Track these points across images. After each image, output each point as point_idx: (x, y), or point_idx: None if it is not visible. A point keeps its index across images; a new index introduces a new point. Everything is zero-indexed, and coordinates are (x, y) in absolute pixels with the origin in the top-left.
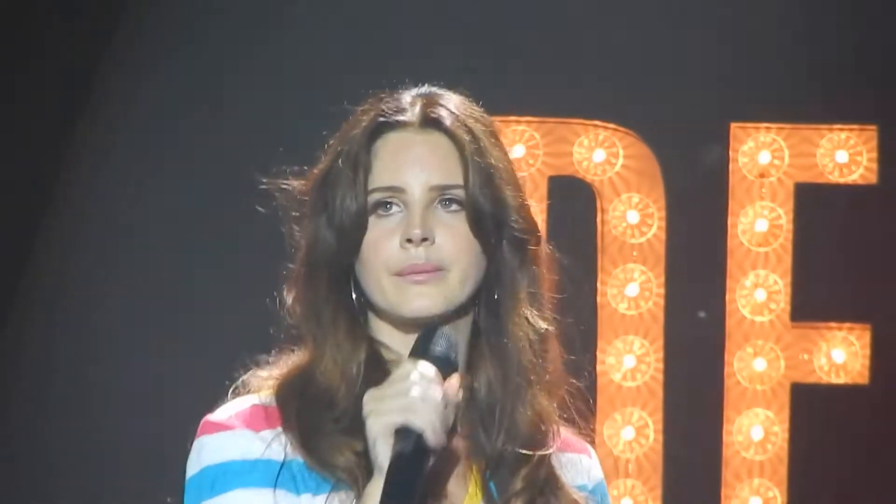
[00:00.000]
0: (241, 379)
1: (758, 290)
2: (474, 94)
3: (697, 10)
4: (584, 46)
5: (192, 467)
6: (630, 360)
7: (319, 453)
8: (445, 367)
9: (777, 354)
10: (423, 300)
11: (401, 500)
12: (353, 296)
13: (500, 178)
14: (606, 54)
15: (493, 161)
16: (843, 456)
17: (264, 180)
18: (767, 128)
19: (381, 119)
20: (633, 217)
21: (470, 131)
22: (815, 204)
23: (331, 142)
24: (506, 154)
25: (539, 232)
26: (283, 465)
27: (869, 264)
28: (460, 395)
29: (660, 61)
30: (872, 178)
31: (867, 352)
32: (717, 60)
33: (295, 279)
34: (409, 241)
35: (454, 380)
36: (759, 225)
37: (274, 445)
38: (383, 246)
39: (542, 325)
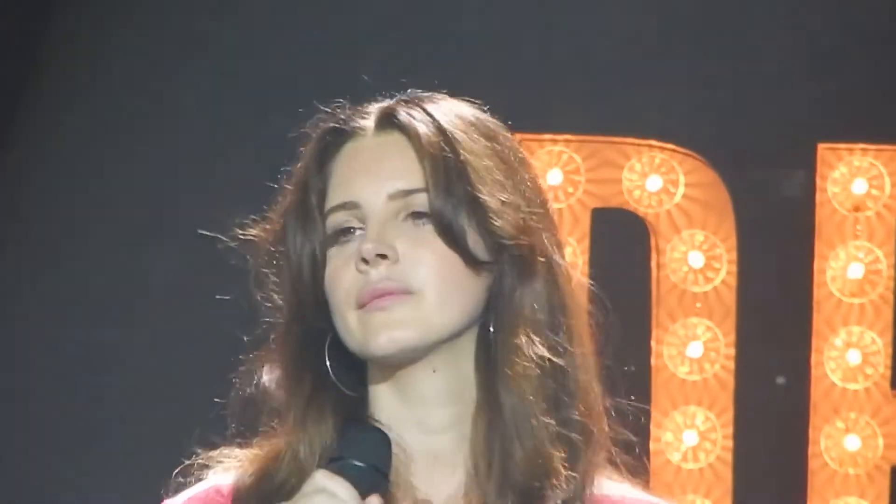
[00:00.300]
0: (205, 455)
1: (851, 350)
2: (500, 108)
3: (776, 7)
4: (636, 51)
5: None
6: (692, 436)
7: None
8: (370, 479)
9: (874, 430)
10: (390, 331)
11: None
12: (329, 365)
13: (476, 175)
14: (663, 60)
15: (467, 156)
16: None
17: (224, 239)
18: (864, 149)
19: (333, 126)
20: (697, 259)
21: (436, 125)
22: None
23: (289, 172)
24: (501, 150)
25: (534, 238)
26: None
27: None
28: None
29: (730, 68)
30: None
31: None
32: (800, 68)
33: (272, 342)
34: (364, 260)
35: (372, 500)
36: (854, 270)
37: None
38: (342, 274)
39: (554, 358)
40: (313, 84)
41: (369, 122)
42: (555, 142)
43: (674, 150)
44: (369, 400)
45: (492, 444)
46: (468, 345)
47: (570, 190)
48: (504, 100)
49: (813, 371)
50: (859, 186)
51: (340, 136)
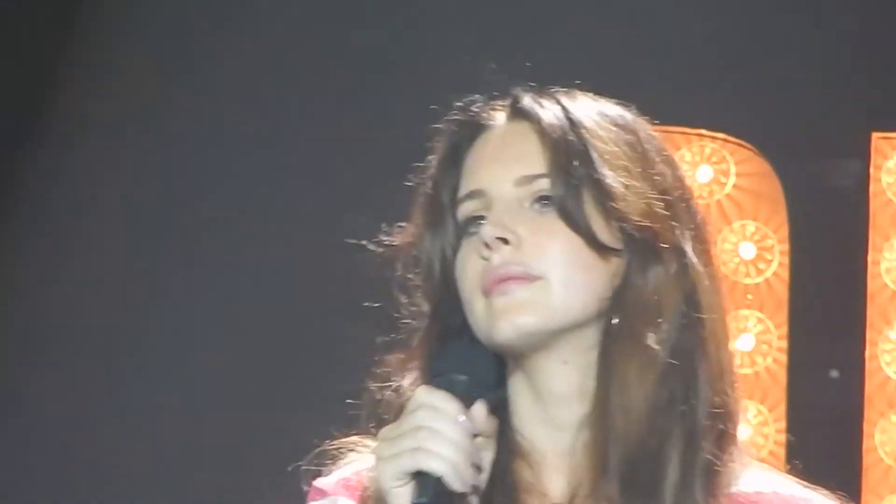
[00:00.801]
0: (347, 440)
1: None
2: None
3: None
4: (685, 40)
5: None
6: (744, 431)
7: None
8: (472, 392)
9: None
10: (512, 316)
11: None
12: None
13: (600, 158)
14: (715, 46)
15: (592, 140)
16: None
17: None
18: None
19: (463, 120)
20: (749, 251)
21: (563, 111)
22: None
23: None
24: (635, 141)
25: (662, 226)
26: None
27: None
28: (490, 424)
29: (782, 55)
30: None
31: None
32: (855, 53)
33: (408, 343)
34: (486, 245)
35: (476, 408)
36: None
37: None
38: (468, 265)
39: (681, 363)
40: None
41: (500, 114)
42: None
43: (725, 140)
44: (509, 400)
45: (610, 442)
46: (597, 337)
47: None
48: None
49: (867, 364)
50: None
51: (471, 130)
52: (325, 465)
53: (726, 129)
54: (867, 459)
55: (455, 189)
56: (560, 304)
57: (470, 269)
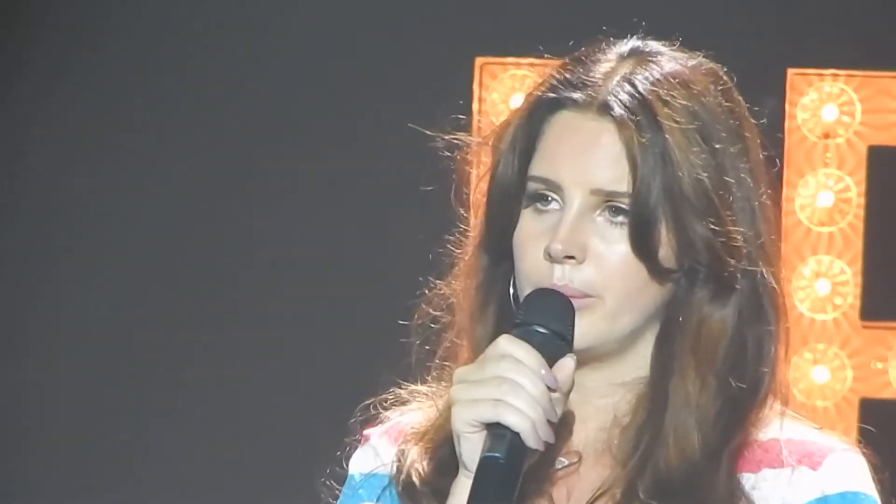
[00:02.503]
0: (400, 390)
1: (819, 280)
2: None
3: None
4: None
5: None
6: None
7: (406, 495)
8: (553, 347)
9: (843, 362)
10: None
11: None
12: (512, 293)
13: (685, 192)
14: None
15: (679, 171)
16: None
17: (430, 132)
18: (835, 75)
19: (552, 95)
20: None
21: (656, 125)
22: (893, 172)
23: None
24: (721, 157)
25: (739, 262)
26: (390, 479)
27: None
28: (572, 381)
29: None
30: None
31: None
32: None
33: (460, 260)
34: (550, 255)
35: (566, 363)
36: (823, 199)
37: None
38: (530, 250)
39: (739, 376)
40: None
41: (591, 99)
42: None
43: None
44: None
45: (641, 438)
46: (645, 340)
47: None
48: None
49: None
50: (829, 113)
51: (559, 102)
52: (380, 413)
53: None
54: None
55: (527, 153)
56: (609, 326)
57: (530, 256)
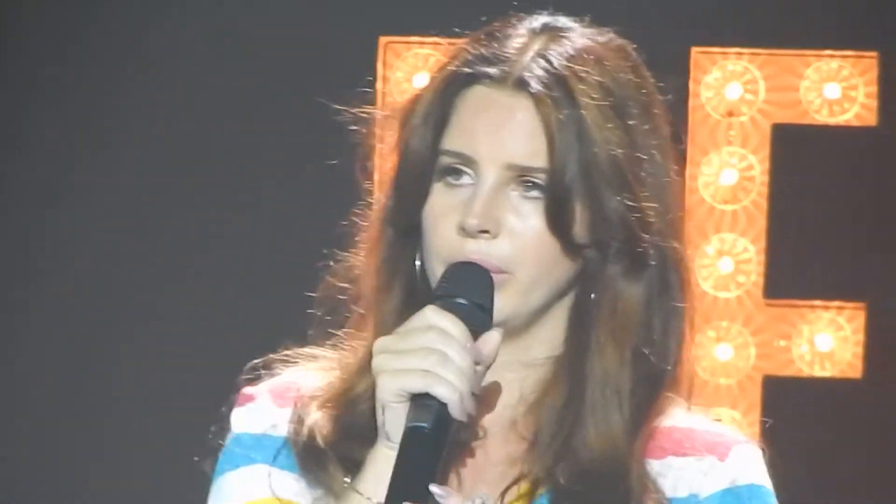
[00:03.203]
0: (285, 353)
1: (723, 258)
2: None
3: None
4: None
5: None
6: None
7: (309, 463)
8: (476, 319)
9: (746, 340)
10: None
11: (415, 481)
12: (418, 266)
13: (600, 168)
14: None
15: (595, 147)
16: (827, 467)
17: (338, 107)
18: (738, 53)
19: (466, 70)
20: None
21: (572, 100)
22: (797, 150)
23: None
24: (634, 134)
25: (652, 237)
26: (285, 441)
27: (864, 227)
28: (496, 354)
29: None
30: (871, 119)
31: (860, 337)
32: None
33: (363, 233)
34: (464, 229)
35: (493, 337)
36: (726, 177)
37: (288, 422)
38: (441, 225)
39: (653, 348)
40: None
41: (505, 74)
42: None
43: None
44: None
45: (563, 418)
46: (555, 316)
47: None
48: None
49: None
50: (733, 91)
51: (472, 77)
52: (265, 375)
53: None
54: None
55: (443, 119)
56: (522, 301)
57: (441, 231)
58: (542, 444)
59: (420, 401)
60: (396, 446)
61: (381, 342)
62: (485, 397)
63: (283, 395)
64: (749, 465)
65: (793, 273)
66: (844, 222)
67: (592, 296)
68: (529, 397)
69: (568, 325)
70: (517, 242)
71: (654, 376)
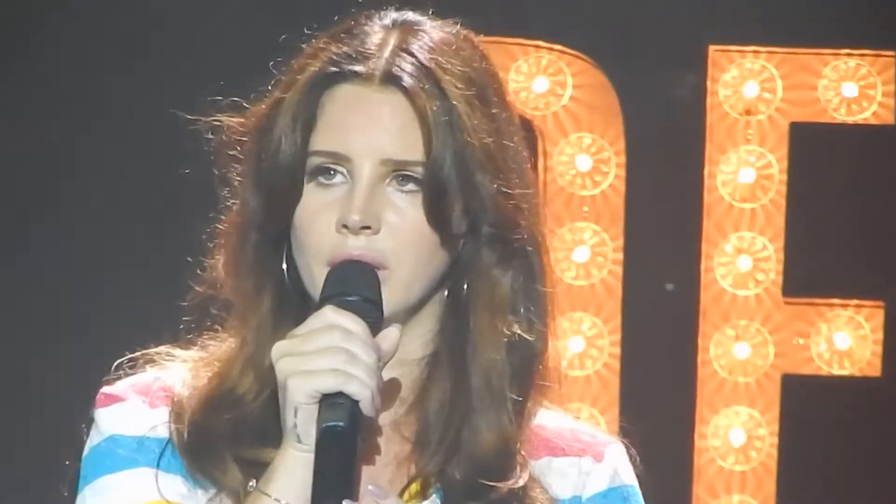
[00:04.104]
0: (145, 352)
1: (742, 256)
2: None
3: None
4: None
5: (87, 447)
6: (578, 343)
7: (201, 463)
8: (369, 315)
9: (765, 338)
10: None
11: (338, 481)
12: (286, 269)
13: (475, 157)
14: None
15: (468, 137)
16: (845, 466)
17: (190, 117)
18: (756, 52)
19: (332, 69)
20: (585, 163)
21: (442, 92)
22: (815, 149)
23: (279, 76)
24: (498, 122)
25: (525, 223)
26: (168, 443)
27: (882, 225)
28: (396, 349)
29: None
30: (889, 118)
31: (879, 336)
32: None
33: (224, 239)
34: (346, 226)
35: (392, 333)
36: (745, 175)
37: (166, 423)
38: (317, 224)
39: (527, 336)
40: None
41: (372, 71)
42: None
43: (562, 51)
44: None
45: (452, 413)
46: (430, 308)
47: None
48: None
49: (703, 277)
50: (751, 89)
51: (339, 76)
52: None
53: (563, 41)
54: (702, 372)
55: (310, 121)
56: (402, 295)
57: (318, 231)
58: (431, 443)
59: (331, 400)
60: (306, 447)
61: (282, 346)
62: None
63: (150, 394)
64: (623, 465)
65: (811, 271)
66: (863, 220)
67: (466, 286)
68: (408, 397)
69: (442, 318)
70: (397, 237)
71: (529, 364)
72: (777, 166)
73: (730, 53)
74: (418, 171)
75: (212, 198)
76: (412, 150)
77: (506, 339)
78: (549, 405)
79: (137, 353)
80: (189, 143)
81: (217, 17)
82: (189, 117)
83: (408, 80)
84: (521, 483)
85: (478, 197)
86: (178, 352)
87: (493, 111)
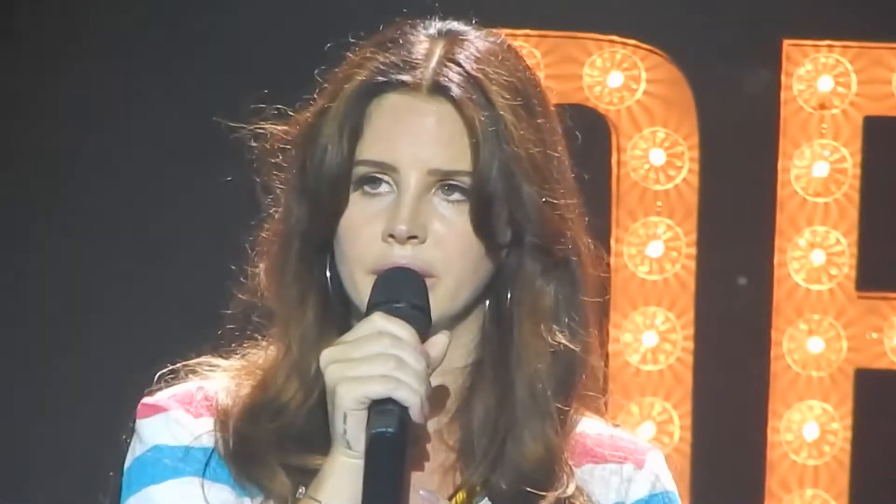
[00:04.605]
0: (185, 362)
1: (815, 251)
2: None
3: None
4: None
5: (128, 457)
6: (651, 337)
7: (248, 470)
8: (418, 322)
9: (838, 333)
10: None
11: (388, 487)
12: (329, 277)
13: (522, 168)
14: None
15: (515, 147)
16: None
17: (234, 124)
18: (830, 46)
19: (380, 78)
20: (658, 157)
21: (490, 103)
22: (888, 143)
23: (324, 85)
24: (544, 132)
25: (569, 234)
26: (213, 452)
27: None
28: (444, 356)
29: None
30: None
31: None
32: None
33: (266, 247)
34: (392, 236)
35: (441, 340)
36: (819, 169)
37: (211, 433)
38: (363, 233)
39: (571, 346)
40: None
41: (419, 81)
42: (514, 36)
43: (636, 46)
44: None
45: (496, 423)
46: (474, 317)
47: None
48: None
49: (776, 271)
50: (825, 84)
51: (386, 85)
52: (171, 385)
53: (637, 35)
54: (775, 367)
55: (357, 130)
56: (448, 304)
57: (363, 239)
58: (476, 453)
59: (381, 406)
60: (356, 454)
61: (331, 352)
62: None
63: (193, 404)
64: (664, 471)
65: (885, 266)
66: None
67: (510, 295)
68: (452, 406)
69: (485, 328)
70: (444, 246)
71: (572, 374)
72: (851, 160)
73: (804, 48)
74: (465, 181)
75: (254, 206)
76: (459, 160)
77: (550, 349)
78: (588, 412)
79: (178, 364)
80: (233, 150)
81: (261, 24)
82: (233, 125)
83: (455, 91)
84: (568, 492)
85: (523, 207)
86: (218, 361)
87: (539, 121)
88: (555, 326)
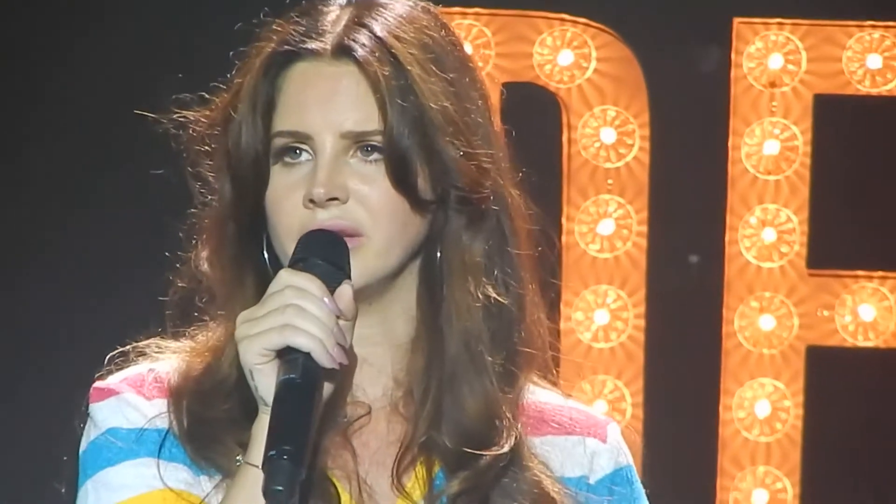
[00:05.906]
0: (135, 344)
1: (766, 229)
2: None
3: None
4: None
5: (83, 442)
6: (603, 315)
7: (205, 451)
8: (333, 277)
9: (789, 310)
10: None
11: (293, 429)
12: (267, 255)
13: (434, 120)
14: None
15: (424, 100)
16: (870, 438)
17: (154, 116)
18: (780, 24)
19: (287, 48)
20: (609, 136)
21: (395, 60)
22: (839, 121)
23: (237, 66)
24: (457, 85)
25: (490, 183)
26: (167, 433)
27: None
28: (353, 308)
29: None
30: None
31: None
32: None
33: (205, 232)
34: (313, 201)
35: (345, 290)
36: (769, 147)
37: (164, 414)
38: (286, 203)
39: (502, 298)
40: None
41: (325, 46)
42: (464, 15)
43: (586, 25)
44: None
45: (431, 380)
46: (408, 279)
47: (480, 64)
48: None
49: (727, 249)
50: (775, 62)
51: (293, 55)
52: (121, 368)
53: (588, 14)
54: (727, 344)
55: (270, 104)
56: (379, 263)
57: (288, 209)
58: (416, 417)
59: (285, 357)
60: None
61: (242, 314)
62: (361, 376)
63: (144, 387)
64: (623, 444)
65: (835, 243)
66: (887, 192)
67: (439, 253)
68: (402, 379)
69: (419, 290)
70: (367, 204)
71: (508, 329)
72: (801, 138)
73: (754, 26)
74: (379, 140)
75: (187, 194)
76: (370, 120)
77: (480, 304)
78: (543, 382)
79: (128, 347)
80: (160, 141)
81: (174, 9)
82: (153, 116)
83: (360, 51)
84: (505, 448)
85: (440, 160)
86: (168, 343)
87: (452, 75)
88: (485, 280)
